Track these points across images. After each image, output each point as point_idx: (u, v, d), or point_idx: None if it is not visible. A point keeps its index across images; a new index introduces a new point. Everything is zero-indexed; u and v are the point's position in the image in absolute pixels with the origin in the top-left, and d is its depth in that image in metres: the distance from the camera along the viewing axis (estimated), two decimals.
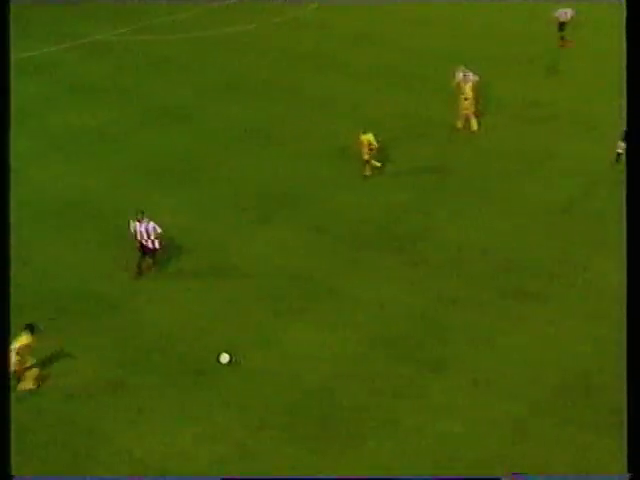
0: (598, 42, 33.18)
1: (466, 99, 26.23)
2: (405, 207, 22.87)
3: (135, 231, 19.33)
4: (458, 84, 26.55)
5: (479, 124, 26.65)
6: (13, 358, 15.58)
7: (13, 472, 14.22)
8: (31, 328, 16.18)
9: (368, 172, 24.09)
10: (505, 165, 25.02)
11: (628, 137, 12.86)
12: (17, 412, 15.59)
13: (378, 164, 24.07)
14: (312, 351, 17.46)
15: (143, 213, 19.33)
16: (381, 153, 24.51)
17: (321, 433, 15.44)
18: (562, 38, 32.82)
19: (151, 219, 19.33)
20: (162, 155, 25.83)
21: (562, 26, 32.64)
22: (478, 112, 26.71)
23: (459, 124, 26.61)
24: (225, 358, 17.07)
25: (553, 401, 16.03)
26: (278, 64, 32.55)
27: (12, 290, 12.30)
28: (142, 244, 19.31)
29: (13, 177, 24.51)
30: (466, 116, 26.48)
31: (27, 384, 16.20)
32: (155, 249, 19.43)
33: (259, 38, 35.25)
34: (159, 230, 19.29)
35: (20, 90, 30.00)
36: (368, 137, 23.69)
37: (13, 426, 15.24)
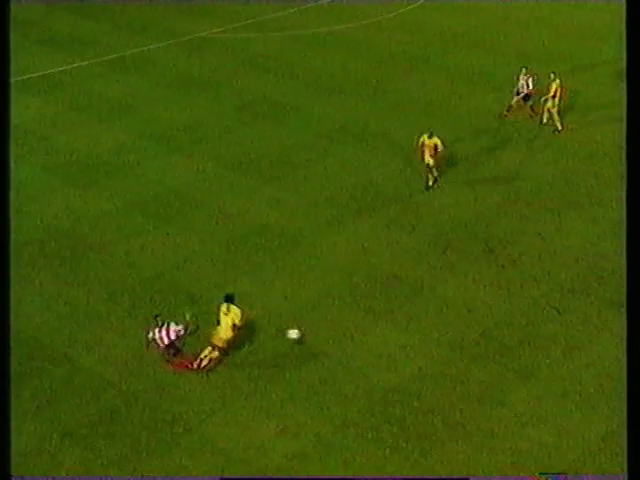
0: None
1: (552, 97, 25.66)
2: (494, 210, 22.25)
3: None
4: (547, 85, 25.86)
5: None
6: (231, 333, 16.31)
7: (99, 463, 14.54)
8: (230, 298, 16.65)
9: (430, 182, 22.87)
10: (596, 168, 24.07)
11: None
12: (108, 397, 16.02)
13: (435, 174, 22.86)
14: (395, 351, 17.14)
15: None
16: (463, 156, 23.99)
17: (402, 433, 15.16)
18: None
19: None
20: (253, 152, 25.87)
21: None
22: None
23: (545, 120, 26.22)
24: (294, 333, 16.88)
25: None
26: (369, 64, 32.24)
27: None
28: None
29: (123, 169, 25.35)
30: (550, 114, 25.92)
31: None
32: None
33: (350, 38, 35.04)
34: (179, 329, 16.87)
35: (117, 86, 30.79)
36: (434, 140, 22.39)
37: (104, 411, 15.66)
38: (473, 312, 18.29)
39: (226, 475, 14.27)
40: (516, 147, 25.57)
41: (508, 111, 26.81)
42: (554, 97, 25.67)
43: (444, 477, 14.18)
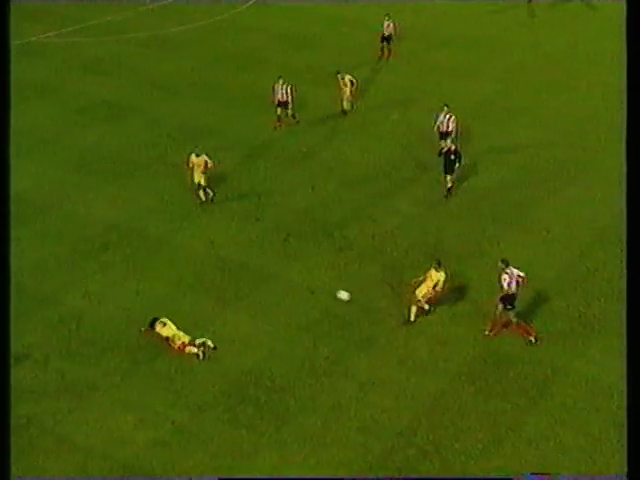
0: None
1: None
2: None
3: None
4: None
5: None
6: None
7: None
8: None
9: (204, 197, 21.73)
10: (416, 154, 25.26)
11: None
12: None
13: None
14: (246, 335, 17.38)
15: None
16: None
17: (257, 413, 15.42)
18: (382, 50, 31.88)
19: None
20: (95, 153, 25.18)
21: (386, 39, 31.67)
22: None
23: None
24: (345, 295, 17.70)
25: None
26: (203, 64, 32.12)
27: None
28: None
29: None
30: None
31: None
32: None
33: (188, 39, 34.75)
34: None
35: None
36: (203, 158, 21.44)
37: None
38: (316, 293, 18.79)
39: (224, 476, 13.99)
40: (348, 136, 26.35)
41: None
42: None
43: (446, 477, 14.16)
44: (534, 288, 18.64)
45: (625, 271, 10.34)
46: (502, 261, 17.03)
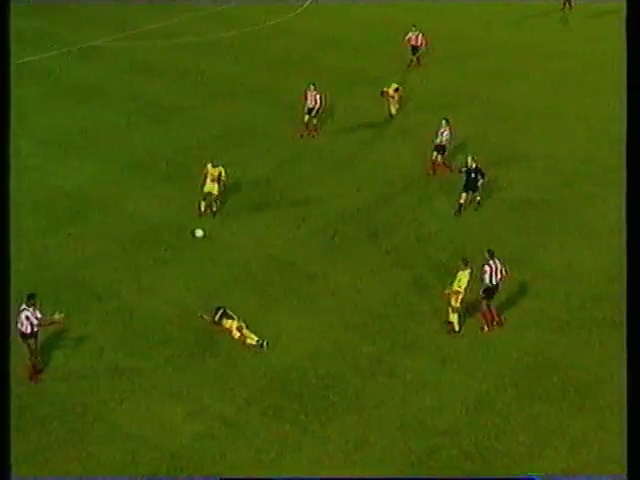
0: None
1: None
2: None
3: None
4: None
5: None
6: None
7: (11, 458, 14.09)
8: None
9: (203, 208, 21.32)
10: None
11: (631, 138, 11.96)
12: (18, 391, 15.59)
13: None
14: (292, 333, 17.46)
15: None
16: None
17: (301, 409, 15.48)
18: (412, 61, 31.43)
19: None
20: (148, 154, 25.57)
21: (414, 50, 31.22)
22: None
23: None
24: (200, 232, 18.59)
25: None
26: (253, 68, 32.35)
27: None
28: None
29: (22, 174, 24.40)
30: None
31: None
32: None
33: (239, 44, 35.06)
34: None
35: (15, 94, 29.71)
36: (219, 169, 21.22)
37: (14, 406, 15.21)
38: (361, 294, 18.80)
39: (225, 476, 14.12)
40: (393, 139, 26.31)
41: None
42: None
43: (450, 478, 14.11)
44: (579, 294, 18.40)
45: None
46: (488, 251, 17.18)
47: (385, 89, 27.55)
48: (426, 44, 31.52)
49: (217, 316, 17.07)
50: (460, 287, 16.93)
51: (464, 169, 21.59)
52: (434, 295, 18.55)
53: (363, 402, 15.67)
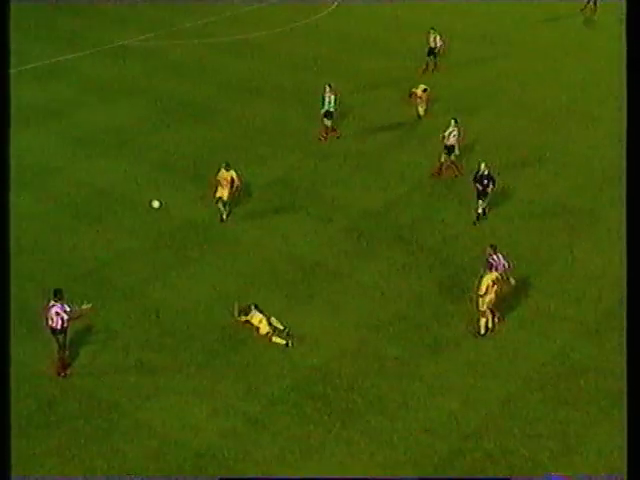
0: None
1: None
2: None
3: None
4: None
5: None
6: None
7: (39, 453, 14.18)
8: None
9: (224, 215, 21.10)
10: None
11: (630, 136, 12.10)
12: (46, 386, 15.70)
13: None
14: (317, 333, 17.39)
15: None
16: None
17: (324, 409, 15.39)
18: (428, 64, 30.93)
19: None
20: (177, 152, 25.65)
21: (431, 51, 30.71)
22: None
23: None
24: (156, 203, 19.36)
25: None
26: (282, 68, 32.30)
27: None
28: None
29: (53, 172, 24.43)
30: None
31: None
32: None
33: (269, 44, 35.05)
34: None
35: (29, 94, 30.01)
36: (231, 173, 20.90)
37: (42, 402, 15.33)
38: (386, 295, 18.66)
39: (225, 476, 14.10)
40: (420, 140, 26.12)
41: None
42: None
43: (453, 478, 14.01)
44: (608, 299, 18.08)
45: None
46: (491, 246, 17.41)
47: (413, 90, 27.38)
48: (444, 46, 31.13)
49: (248, 309, 17.17)
50: (481, 290, 16.76)
51: (478, 175, 21.03)
52: (459, 297, 18.36)
53: (387, 404, 15.53)
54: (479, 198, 21.13)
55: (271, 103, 29.13)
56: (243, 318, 17.30)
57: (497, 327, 17.28)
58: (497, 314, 17.26)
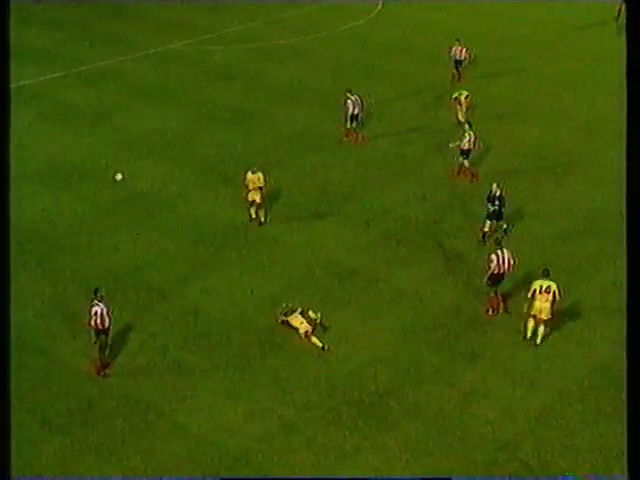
0: None
1: None
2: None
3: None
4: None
5: None
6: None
7: (78, 450, 14.33)
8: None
9: (262, 217, 21.11)
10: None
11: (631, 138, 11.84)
12: (85, 386, 15.87)
13: None
14: (353, 338, 17.28)
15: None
16: None
17: (360, 414, 15.27)
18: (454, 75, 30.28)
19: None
20: (218, 156, 25.77)
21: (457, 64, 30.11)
22: None
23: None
24: (119, 176, 20.79)
25: None
26: (323, 73, 32.29)
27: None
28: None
29: (96, 174, 24.73)
30: None
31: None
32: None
33: (309, 49, 35.08)
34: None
35: (90, 98, 30.44)
36: (258, 175, 20.83)
37: (81, 401, 15.49)
38: (424, 302, 18.48)
39: (226, 476, 14.13)
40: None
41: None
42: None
43: (442, 477, 14.03)
44: None
45: None
46: (495, 240, 18.41)
47: (456, 95, 27.14)
48: (468, 58, 30.60)
49: (291, 312, 17.27)
50: (529, 293, 16.70)
51: (490, 196, 20.36)
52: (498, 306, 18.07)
53: (423, 411, 15.36)
54: (488, 218, 20.57)
55: (312, 108, 29.12)
56: (283, 318, 17.29)
57: (501, 314, 17.48)
58: (503, 305, 17.65)
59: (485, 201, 20.56)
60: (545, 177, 23.83)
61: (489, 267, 17.45)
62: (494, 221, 20.53)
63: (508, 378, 16.08)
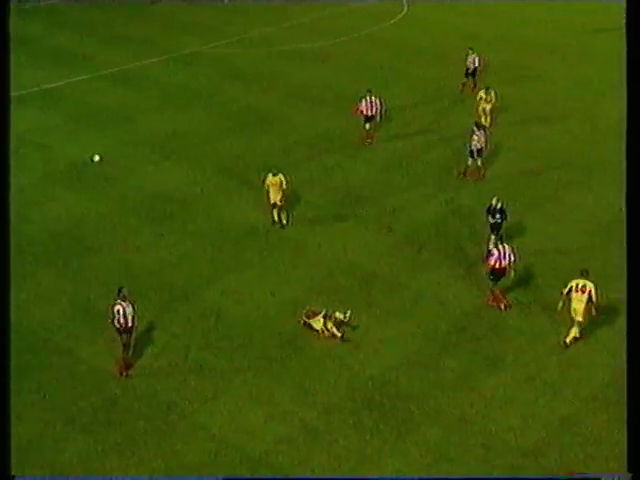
0: None
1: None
2: None
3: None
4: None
5: None
6: None
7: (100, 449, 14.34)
8: None
9: (284, 220, 21.11)
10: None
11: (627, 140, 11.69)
12: (110, 385, 15.89)
13: None
14: (374, 342, 17.17)
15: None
16: None
17: (381, 418, 15.15)
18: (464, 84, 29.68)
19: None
20: (240, 158, 25.79)
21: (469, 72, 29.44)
22: None
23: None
24: (97, 157, 21.97)
25: None
26: (346, 77, 32.18)
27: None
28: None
29: (120, 175, 24.80)
30: None
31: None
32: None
33: (332, 53, 35.01)
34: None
35: (109, 97, 30.59)
36: (279, 178, 20.77)
37: (104, 400, 15.51)
38: (445, 305, 18.32)
39: (231, 476, 14.10)
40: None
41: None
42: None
43: (454, 477, 13.91)
44: None
45: None
46: (497, 234, 18.60)
47: (480, 100, 26.85)
48: (481, 67, 30.23)
49: (314, 314, 17.22)
50: (563, 292, 16.55)
51: (491, 209, 20.09)
52: (520, 310, 17.88)
53: (444, 416, 15.22)
54: (492, 231, 20.23)
55: (334, 111, 29.01)
56: (304, 319, 17.22)
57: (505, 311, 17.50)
58: (504, 301, 17.77)
59: (485, 214, 20.28)
60: (568, 179, 23.50)
61: (489, 261, 17.60)
62: (496, 233, 20.12)
63: (531, 384, 15.88)
